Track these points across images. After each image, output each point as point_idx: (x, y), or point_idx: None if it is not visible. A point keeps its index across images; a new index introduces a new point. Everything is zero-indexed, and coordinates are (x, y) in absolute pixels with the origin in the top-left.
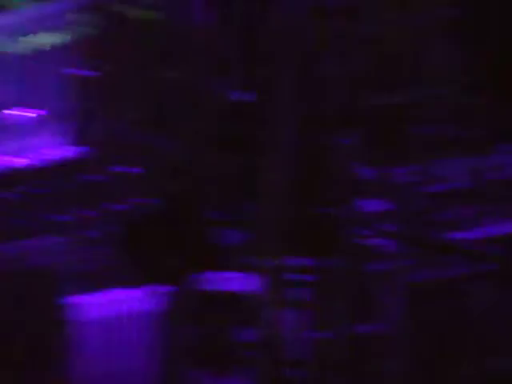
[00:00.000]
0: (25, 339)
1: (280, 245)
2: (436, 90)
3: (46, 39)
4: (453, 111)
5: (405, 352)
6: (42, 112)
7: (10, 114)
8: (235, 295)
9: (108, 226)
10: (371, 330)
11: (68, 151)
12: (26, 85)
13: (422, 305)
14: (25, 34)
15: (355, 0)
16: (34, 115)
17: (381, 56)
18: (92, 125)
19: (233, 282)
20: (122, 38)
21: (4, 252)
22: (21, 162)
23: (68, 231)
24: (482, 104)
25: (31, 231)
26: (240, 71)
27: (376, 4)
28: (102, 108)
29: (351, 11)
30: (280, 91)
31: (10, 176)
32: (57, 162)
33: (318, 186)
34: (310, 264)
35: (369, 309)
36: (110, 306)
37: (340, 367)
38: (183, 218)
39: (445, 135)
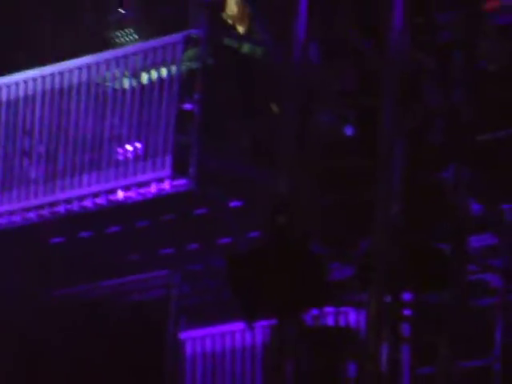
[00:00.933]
0: (137, 373)
1: (388, 279)
2: None
3: (154, 73)
4: None
5: None
6: (147, 146)
7: (115, 148)
8: (342, 330)
9: (213, 259)
10: (475, 365)
11: (171, 184)
12: (132, 119)
13: None
14: (133, 69)
15: None
16: (139, 149)
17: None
18: (195, 158)
19: (339, 316)
20: (228, 71)
21: (111, 286)
22: (125, 196)
23: (173, 265)
24: None
25: (136, 265)
26: (346, 103)
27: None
28: (205, 141)
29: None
30: (386, 124)
31: (115, 211)
32: (160, 195)
33: (428, 220)
34: (416, 298)
35: (473, 344)
36: (218, 339)
37: None
38: (290, 252)
39: None
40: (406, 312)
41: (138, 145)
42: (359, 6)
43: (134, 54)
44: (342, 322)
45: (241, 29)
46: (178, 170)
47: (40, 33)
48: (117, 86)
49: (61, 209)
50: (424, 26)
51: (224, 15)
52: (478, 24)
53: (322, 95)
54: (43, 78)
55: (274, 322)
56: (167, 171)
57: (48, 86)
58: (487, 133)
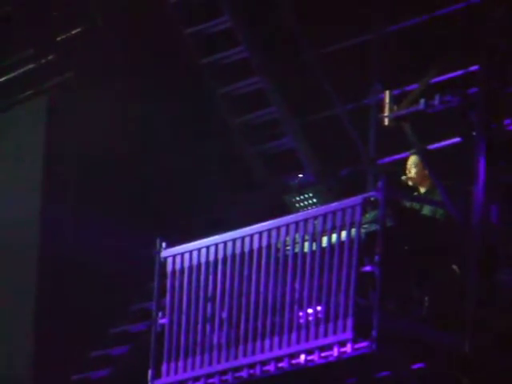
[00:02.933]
0: None
1: None
2: None
3: (334, 236)
4: None
5: None
6: (328, 309)
7: (297, 312)
8: None
9: None
10: None
11: (353, 347)
12: (312, 282)
13: None
14: (313, 232)
15: None
16: (320, 312)
17: None
18: (376, 320)
19: None
20: (409, 234)
21: None
22: (307, 359)
23: None
24: None
25: None
26: None
27: None
28: (385, 303)
29: None
30: None
31: (297, 375)
32: (342, 358)
33: None
34: None
35: None
36: None
37: None
38: None
39: None
40: None
41: (319, 308)
42: None
43: (314, 217)
44: None
45: (421, 190)
46: (360, 333)
47: (219, 199)
48: (297, 250)
49: (244, 374)
50: None
51: (404, 177)
52: None
53: (503, 254)
54: (224, 243)
55: None
56: (349, 334)
57: (229, 250)
58: None
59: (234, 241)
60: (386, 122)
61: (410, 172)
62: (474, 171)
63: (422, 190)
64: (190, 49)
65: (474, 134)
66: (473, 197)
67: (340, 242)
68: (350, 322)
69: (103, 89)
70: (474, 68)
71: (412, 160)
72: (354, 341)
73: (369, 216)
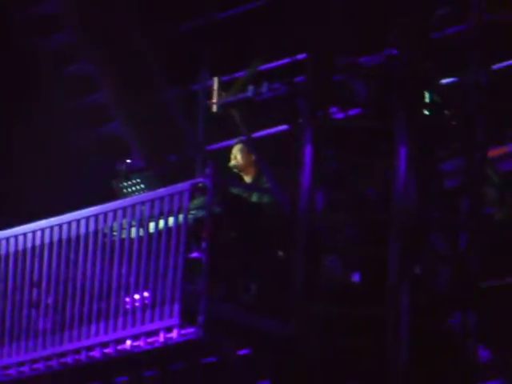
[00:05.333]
0: None
1: None
2: None
3: (161, 222)
4: None
5: None
6: (154, 294)
7: (123, 298)
8: None
9: None
10: None
11: (179, 333)
12: (139, 268)
13: None
14: (139, 218)
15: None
16: (147, 298)
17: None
18: (203, 306)
19: None
20: (235, 220)
21: None
22: (133, 345)
23: None
24: None
25: None
26: (353, 251)
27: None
28: (212, 289)
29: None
30: (392, 271)
31: (123, 360)
32: (168, 344)
33: (437, 368)
34: None
35: None
36: None
37: None
38: None
39: None
40: None
41: (146, 294)
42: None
43: (141, 203)
44: None
45: (248, 178)
46: (186, 319)
47: (47, 183)
48: (124, 236)
49: (69, 359)
50: (430, 174)
51: (230, 165)
52: (484, 171)
53: (330, 243)
54: (51, 228)
55: None
56: (175, 320)
57: (55, 236)
58: (493, 279)
59: (60, 226)
60: (214, 108)
61: (235, 159)
62: (300, 159)
63: (249, 177)
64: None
65: (301, 121)
66: (299, 184)
67: (167, 228)
68: (176, 308)
69: None
70: (301, 56)
71: (237, 147)
72: (181, 327)
73: (197, 202)
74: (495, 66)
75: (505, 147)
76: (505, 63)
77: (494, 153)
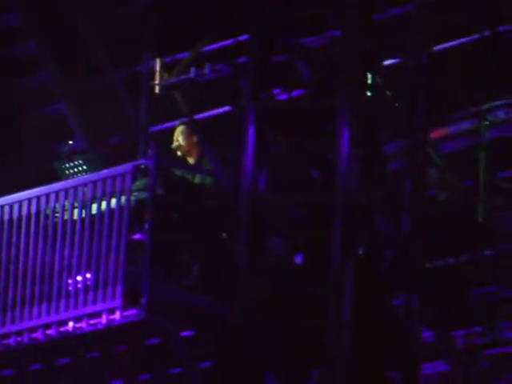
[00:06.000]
0: None
1: None
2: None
3: (103, 204)
4: None
5: None
6: (97, 276)
7: (65, 279)
8: None
9: None
10: None
11: (122, 314)
12: (82, 249)
13: None
14: (83, 200)
15: None
16: (90, 279)
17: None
18: (145, 288)
19: None
20: (178, 201)
21: None
22: (75, 327)
23: None
24: None
25: None
26: (297, 232)
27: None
28: (155, 271)
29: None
30: (335, 253)
31: (65, 342)
32: (111, 325)
33: (380, 349)
34: None
35: None
36: None
37: None
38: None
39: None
40: None
41: (89, 275)
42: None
43: (84, 184)
44: None
45: (190, 159)
46: (129, 300)
47: None
48: (66, 217)
49: (11, 341)
50: (372, 155)
51: (172, 146)
52: (426, 153)
53: (273, 224)
54: None
55: None
56: (118, 301)
57: None
58: (436, 260)
59: (2, 207)
60: (157, 89)
61: (177, 141)
62: (244, 140)
63: (192, 158)
64: None
65: (244, 103)
66: (242, 165)
67: (110, 210)
68: (119, 290)
69: None
70: (244, 37)
71: (179, 129)
72: (123, 308)
73: (139, 184)
74: (436, 48)
75: (446, 129)
76: (446, 44)
77: (435, 134)
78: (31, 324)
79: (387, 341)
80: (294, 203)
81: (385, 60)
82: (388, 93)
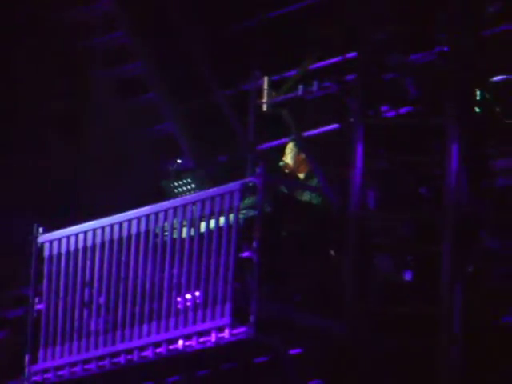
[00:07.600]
0: None
1: None
2: None
3: (212, 222)
4: None
5: None
6: (206, 294)
7: (174, 298)
8: None
9: None
10: None
11: (230, 332)
12: (190, 268)
13: None
14: (190, 218)
15: None
16: (198, 298)
17: None
18: (254, 306)
19: None
20: (287, 219)
21: None
22: (185, 345)
23: None
24: None
25: None
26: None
27: None
28: (264, 289)
29: None
30: (445, 269)
31: (175, 360)
32: (220, 343)
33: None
34: None
35: None
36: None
37: None
38: None
39: None
40: None
41: (198, 294)
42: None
43: (192, 202)
44: None
45: (299, 176)
46: (238, 318)
47: (98, 185)
48: (175, 236)
49: (121, 359)
50: (481, 171)
51: (281, 163)
52: None
53: (381, 241)
54: (102, 228)
55: None
56: (227, 319)
57: (107, 236)
58: None
59: (112, 226)
60: (265, 108)
61: (286, 158)
62: (352, 158)
63: (300, 176)
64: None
65: (352, 120)
66: (350, 183)
67: (218, 228)
68: (228, 308)
69: None
70: (351, 55)
71: (289, 146)
72: (232, 326)
73: (247, 202)
74: None
75: None
76: None
77: None
78: (141, 342)
79: (496, 357)
80: (402, 220)
81: (493, 76)
82: (497, 109)
